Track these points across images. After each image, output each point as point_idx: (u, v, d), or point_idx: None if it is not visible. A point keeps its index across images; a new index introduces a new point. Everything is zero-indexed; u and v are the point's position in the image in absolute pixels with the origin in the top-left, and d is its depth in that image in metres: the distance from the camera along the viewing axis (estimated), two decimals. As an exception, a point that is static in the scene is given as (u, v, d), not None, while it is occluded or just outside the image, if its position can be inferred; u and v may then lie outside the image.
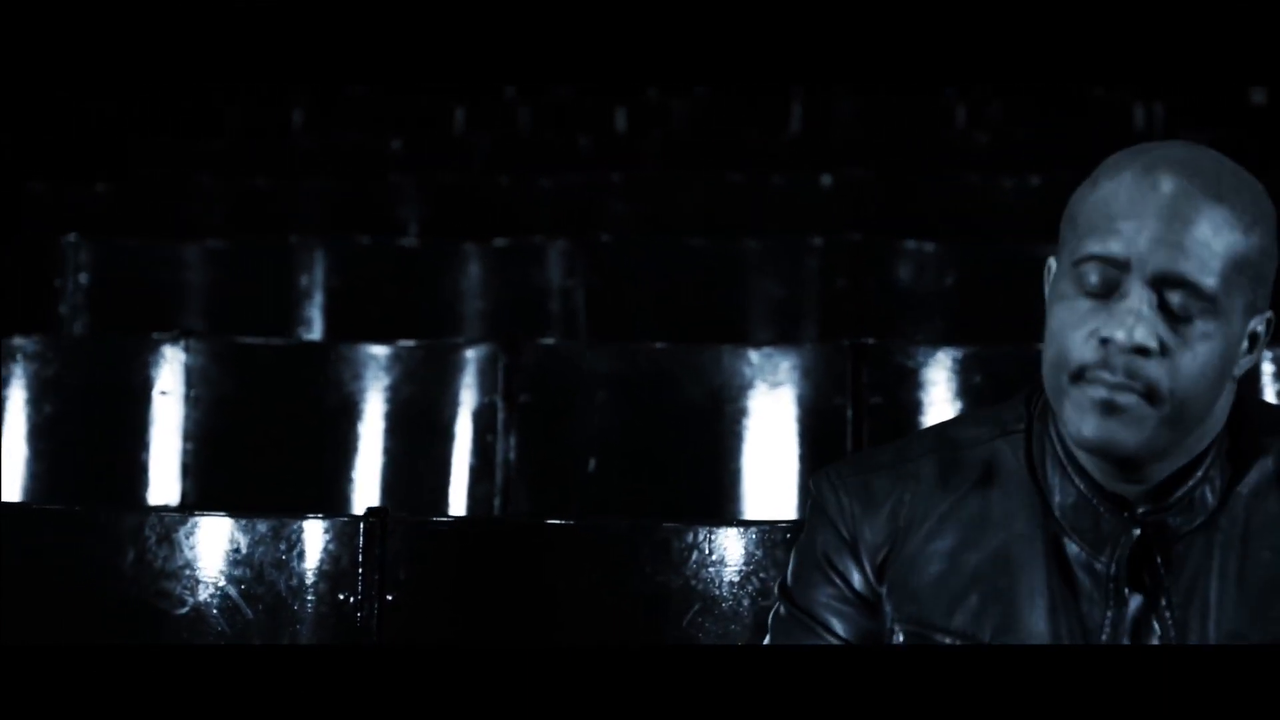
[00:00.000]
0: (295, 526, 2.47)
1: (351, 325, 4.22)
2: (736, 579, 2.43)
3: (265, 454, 3.40)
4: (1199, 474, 1.83)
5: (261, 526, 2.48)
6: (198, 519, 2.49)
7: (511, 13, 7.17)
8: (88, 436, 3.45)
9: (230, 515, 2.50)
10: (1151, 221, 1.75)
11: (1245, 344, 1.81)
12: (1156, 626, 1.82)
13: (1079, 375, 1.76)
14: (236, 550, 2.48)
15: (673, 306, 4.23)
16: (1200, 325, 1.75)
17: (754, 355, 3.39)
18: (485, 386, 3.38)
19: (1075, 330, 1.76)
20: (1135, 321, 1.73)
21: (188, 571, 2.48)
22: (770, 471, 3.34)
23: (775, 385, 3.38)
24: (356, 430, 3.37)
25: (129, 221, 5.06)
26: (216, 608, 2.48)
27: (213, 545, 2.48)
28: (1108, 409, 1.75)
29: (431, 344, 3.41)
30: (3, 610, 2.49)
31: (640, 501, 3.30)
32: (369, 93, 6.95)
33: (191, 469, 3.43)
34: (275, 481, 3.36)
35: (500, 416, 3.37)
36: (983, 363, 3.46)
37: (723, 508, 3.28)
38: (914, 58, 6.89)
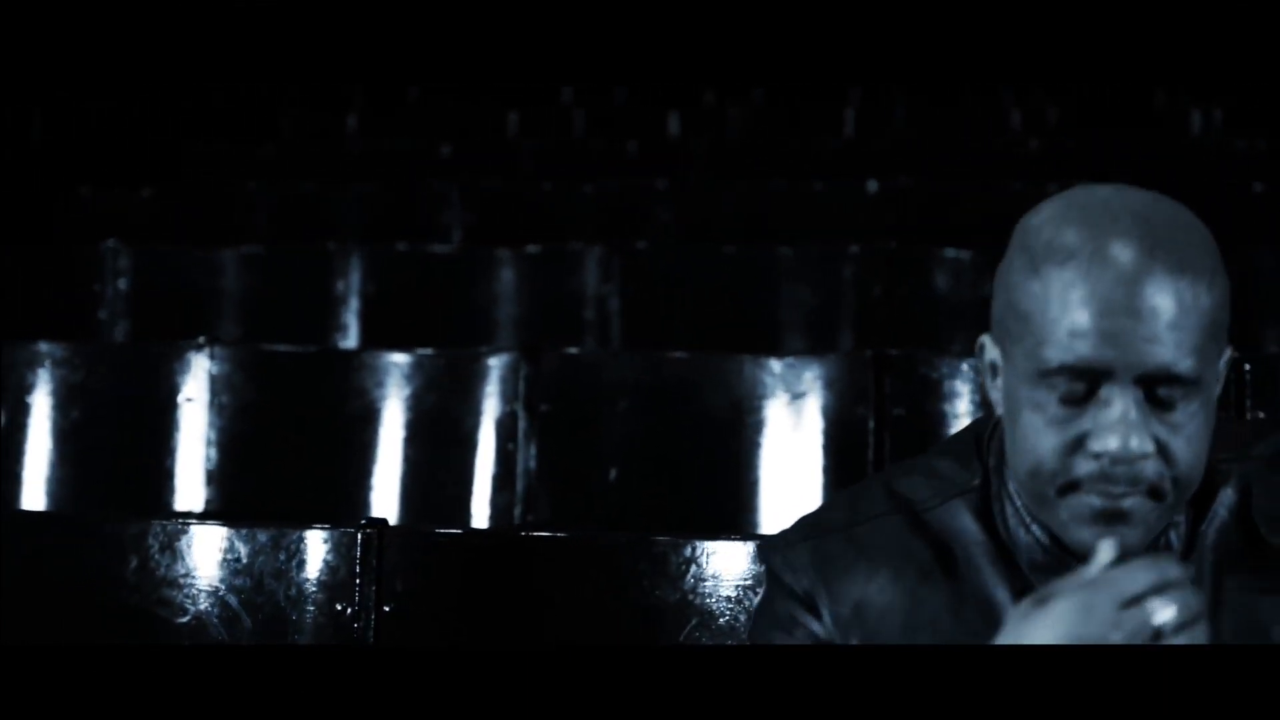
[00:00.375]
0: (294, 537, 2.49)
1: (387, 332, 4.24)
2: (734, 594, 2.42)
3: (287, 461, 3.41)
4: (1164, 522, 1.72)
5: (262, 536, 2.50)
6: (199, 528, 2.51)
7: (572, 16, 7.18)
8: (114, 443, 3.47)
9: (230, 525, 2.51)
10: (1123, 319, 1.61)
11: (1218, 379, 1.72)
12: None
13: (1071, 487, 1.66)
14: (237, 560, 2.50)
15: (707, 314, 4.22)
16: (1187, 407, 1.64)
17: (776, 365, 3.37)
18: (507, 395, 3.38)
19: (1055, 440, 1.65)
20: (1127, 430, 1.62)
21: (189, 580, 2.50)
22: (790, 483, 3.32)
23: (797, 396, 3.36)
24: (378, 438, 3.38)
25: (172, 227, 5.10)
26: (216, 617, 2.49)
27: (214, 554, 2.50)
28: (1111, 517, 1.66)
29: (454, 352, 3.41)
30: (6, 614, 2.52)
31: (659, 511, 3.29)
32: (424, 97, 6.98)
33: (215, 476, 3.45)
34: (296, 489, 3.37)
35: (521, 425, 3.37)
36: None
37: (741, 519, 3.27)
38: (972, 60, 6.86)
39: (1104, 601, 1.59)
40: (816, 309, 4.22)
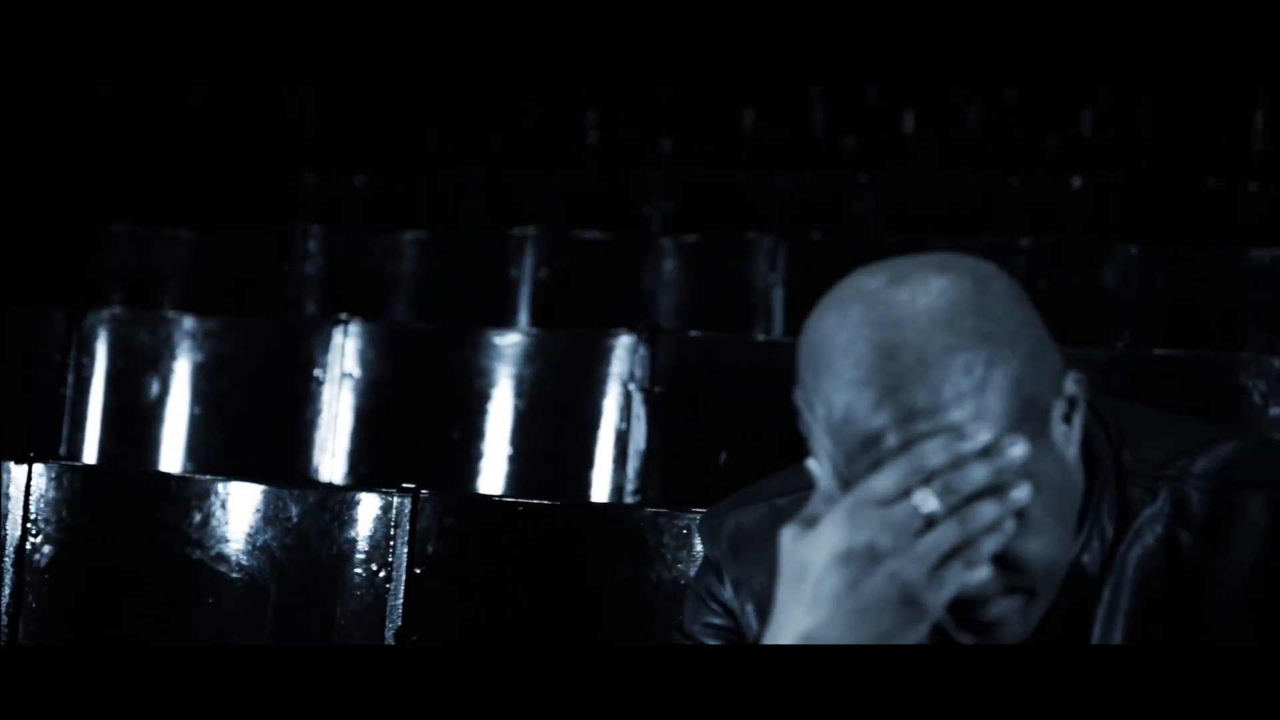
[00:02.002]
0: (338, 499, 2.59)
1: (560, 314, 4.35)
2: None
3: (413, 434, 3.53)
4: (1075, 547, 1.66)
5: (310, 498, 2.61)
6: (255, 488, 2.63)
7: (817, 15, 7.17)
8: (256, 413, 3.64)
9: (284, 487, 2.63)
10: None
11: (1062, 425, 1.62)
12: None
13: None
14: (288, 519, 2.61)
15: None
16: (1020, 494, 1.55)
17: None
18: (624, 376, 3.44)
19: None
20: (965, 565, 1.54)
21: (244, 536, 2.62)
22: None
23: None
24: (491, 412, 3.48)
25: (389, 211, 5.29)
26: (267, 573, 2.61)
27: (267, 513, 2.62)
28: (980, 629, 1.61)
29: (577, 333, 3.49)
30: (85, 563, 2.69)
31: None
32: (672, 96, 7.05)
33: (351, 448, 3.59)
34: (420, 461, 3.50)
35: (636, 406, 3.43)
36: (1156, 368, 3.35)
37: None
38: (1222, 58, 6.67)
39: (866, 505, 1.54)
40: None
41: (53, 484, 2.67)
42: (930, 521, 1.53)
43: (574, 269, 4.40)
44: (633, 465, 3.41)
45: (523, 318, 4.36)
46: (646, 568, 2.46)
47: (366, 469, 3.53)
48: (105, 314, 3.72)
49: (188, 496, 2.65)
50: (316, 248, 4.52)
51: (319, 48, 6.38)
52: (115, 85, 5.99)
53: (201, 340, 3.64)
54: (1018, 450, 1.55)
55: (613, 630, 2.44)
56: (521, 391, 3.48)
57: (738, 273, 4.34)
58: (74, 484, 2.67)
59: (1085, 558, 1.66)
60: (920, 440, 1.55)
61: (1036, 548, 1.59)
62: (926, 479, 1.54)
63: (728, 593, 1.84)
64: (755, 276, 4.33)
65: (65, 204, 5.28)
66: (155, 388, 3.63)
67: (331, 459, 3.57)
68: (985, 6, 6.90)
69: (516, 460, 3.46)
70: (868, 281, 1.62)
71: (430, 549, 2.52)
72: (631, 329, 3.49)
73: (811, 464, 1.63)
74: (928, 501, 1.53)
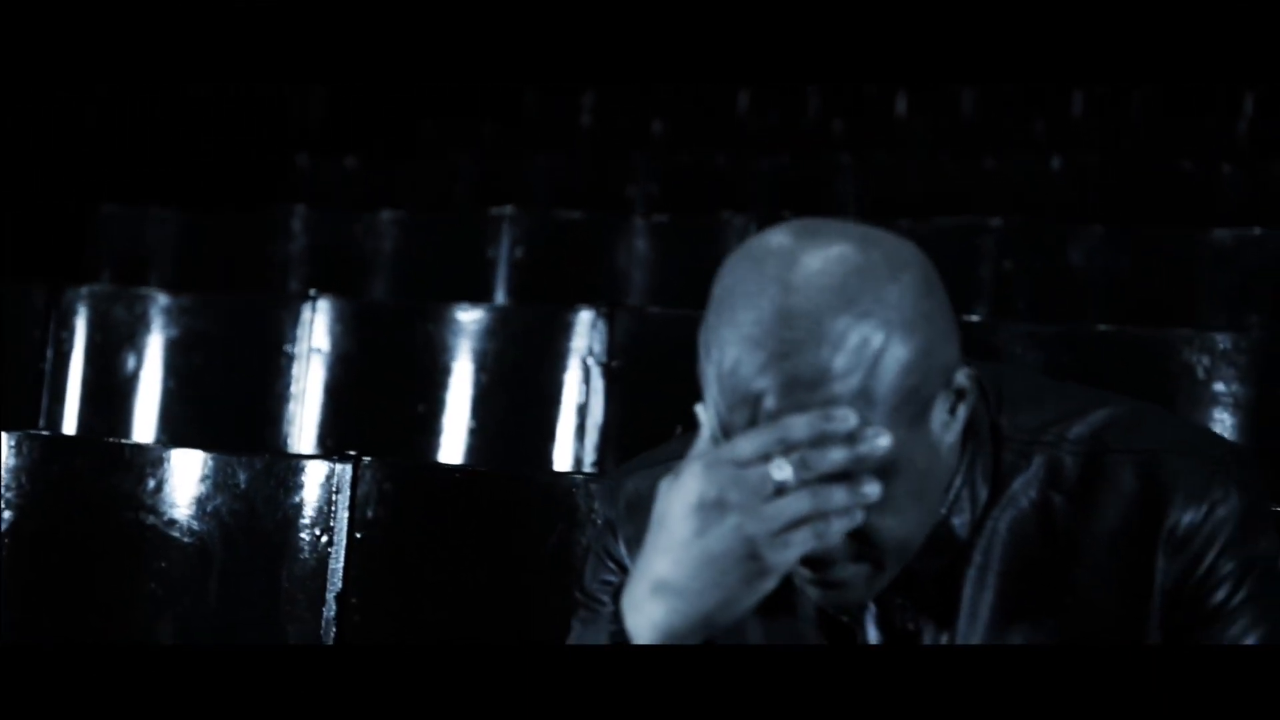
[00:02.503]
0: (284, 466, 2.68)
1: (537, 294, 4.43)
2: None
3: (379, 407, 3.63)
4: (941, 512, 1.70)
5: (258, 464, 2.70)
6: (207, 456, 2.72)
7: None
8: (227, 387, 3.73)
9: (233, 454, 2.72)
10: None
11: (946, 415, 1.66)
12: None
13: None
14: (236, 485, 2.70)
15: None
16: (871, 490, 1.60)
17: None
18: (583, 351, 3.53)
19: None
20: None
21: (195, 502, 2.71)
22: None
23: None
24: (455, 386, 3.57)
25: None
26: (217, 538, 2.70)
27: (217, 480, 2.71)
28: (826, 586, 1.67)
29: (538, 308, 3.57)
30: (39, 531, 2.78)
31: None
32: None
33: (320, 420, 3.68)
34: (383, 432, 3.59)
35: (595, 380, 3.51)
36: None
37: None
38: (1216, 45, 6.67)
39: (725, 462, 1.59)
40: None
41: (13, 452, 2.77)
42: (782, 489, 1.59)
43: (550, 249, 4.48)
44: (591, 438, 3.49)
45: (499, 296, 4.44)
46: (578, 532, 2.53)
47: (334, 441, 3.62)
48: (84, 290, 3.82)
49: (142, 464, 2.74)
50: (300, 228, 4.61)
51: (320, 44, 6.45)
52: (115, 81, 6.08)
53: (176, 316, 3.74)
54: (881, 442, 1.59)
55: (544, 593, 2.51)
56: (484, 366, 3.57)
57: (707, 252, 4.40)
58: (33, 452, 2.76)
59: (955, 520, 1.70)
60: (794, 410, 1.59)
61: (890, 525, 1.64)
62: (787, 450, 1.58)
63: (621, 549, 1.88)
64: (725, 256, 4.38)
65: (62, 187, 5.39)
66: (131, 362, 3.73)
67: (301, 432, 3.66)
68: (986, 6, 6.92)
69: (479, 433, 3.54)
70: (790, 241, 1.65)
71: (370, 514, 2.61)
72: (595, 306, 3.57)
73: (700, 409, 1.70)
74: (782, 470, 1.58)
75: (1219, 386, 3.27)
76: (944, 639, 1.72)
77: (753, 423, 1.61)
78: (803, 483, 1.58)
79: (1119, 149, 5.53)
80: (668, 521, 1.62)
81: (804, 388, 1.59)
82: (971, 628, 1.72)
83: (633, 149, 5.79)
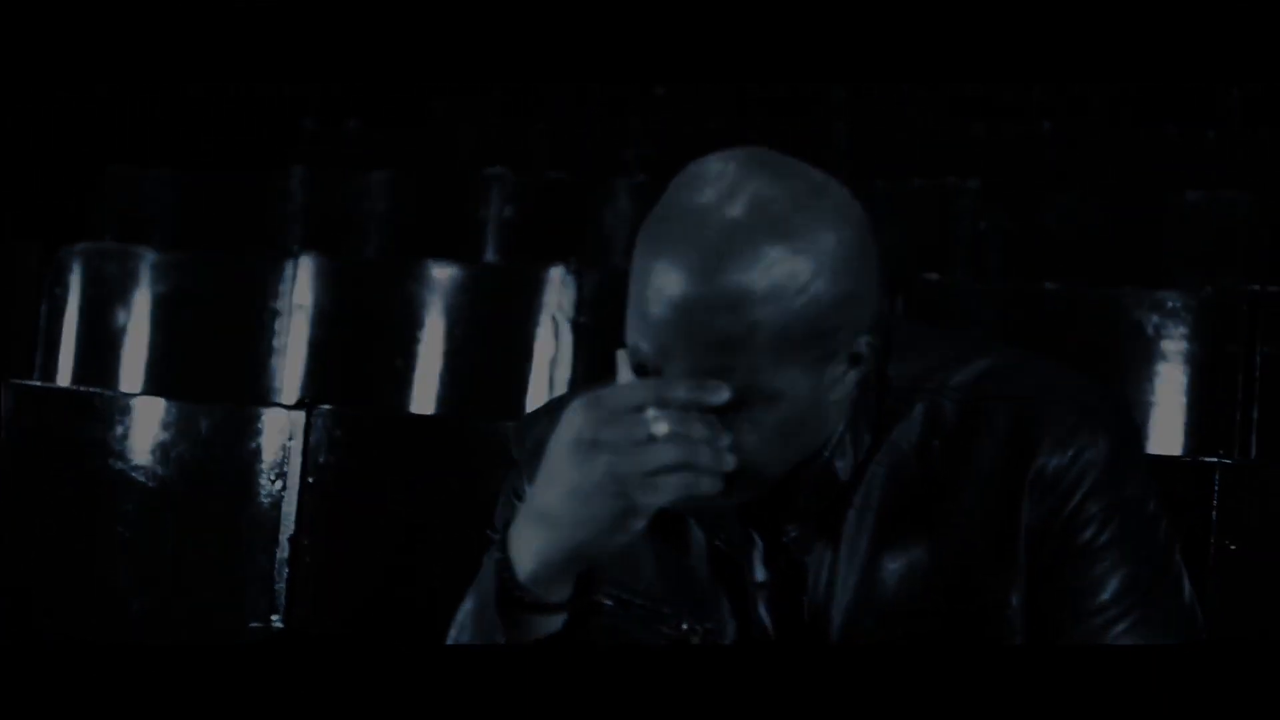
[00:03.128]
0: (242, 414, 2.80)
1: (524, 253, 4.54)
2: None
3: (360, 362, 3.75)
4: (825, 454, 1.75)
5: (219, 413, 2.82)
6: (170, 405, 2.85)
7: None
8: (218, 342, 3.87)
9: (195, 402, 2.85)
10: (673, 337, 1.64)
11: (840, 373, 1.71)
12: (800, 605, 1.80)
13: None
14: (198, 432, 2.83)
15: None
16: (747, 414, 1.67)
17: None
18: (554, 307, 3.64)
19: None
20: None
21: (160, 448, 2.84)
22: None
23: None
24: (431, 340, 3.69)
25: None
26: (178, 481, 2.82)
27: (183, 427, 2.84)
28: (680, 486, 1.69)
29: (511, 266, 3.69)
30: (12, 475, 2.92)
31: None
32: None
33: (304, 373, 3.81)
34: (363, 382, 3.71)
35: (564, 335, 3.63)
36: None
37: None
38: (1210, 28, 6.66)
39: (604, 405, 1.64)
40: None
41: (-11, 401, 2.91)
42: (654, 437, 1.65)
43: (539, 209, 4.59)
44: (560, 390, 3.61)
45: (489, 255, 4.55)
46: (517, 477, 2.65)
47: (316, 393, 3.74)
48: (79, 247, 3.95)
49: (111, 412, 2.88)
50: (297, 188, 4.73)
51: (329, 30, 6.52)
52: (126, 60, 6.16)
53: (166, 273, 3.87)
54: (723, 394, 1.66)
55: (484, 535, 2.62)
56: (459, 321, 3.69)
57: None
58: (6, 401, 2.89)
59: (839, 464, 1.76)
60: (709, 331, 1.63)
61: (750, 445, 1.68)
62: (663, 406, 1.65)
63: (527, 488, 1.99)
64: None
65: (69, 149, 5.50)
66: (122, 317, 3.87)
67: (285, 385, 3.79)
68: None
69: (452, 385, 3.66)
70: (745, 164, 1.67)
71: (322, 459, 2.73)
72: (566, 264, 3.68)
73: (620, 354, 1.72)
74: (657, 424, 1.65)
75: (1167, 344, 3.36)
76: (824, 576, 1.78)
77: (663, 351, 1.65)
78: (675, 435, 1.65)
79: (1108, 115, 5.59)
80: (550, 456, 1.70)
81: (725, 307, 1.63)
82: (850, 565, 1.77)
83: (631, 114, 5.88)
